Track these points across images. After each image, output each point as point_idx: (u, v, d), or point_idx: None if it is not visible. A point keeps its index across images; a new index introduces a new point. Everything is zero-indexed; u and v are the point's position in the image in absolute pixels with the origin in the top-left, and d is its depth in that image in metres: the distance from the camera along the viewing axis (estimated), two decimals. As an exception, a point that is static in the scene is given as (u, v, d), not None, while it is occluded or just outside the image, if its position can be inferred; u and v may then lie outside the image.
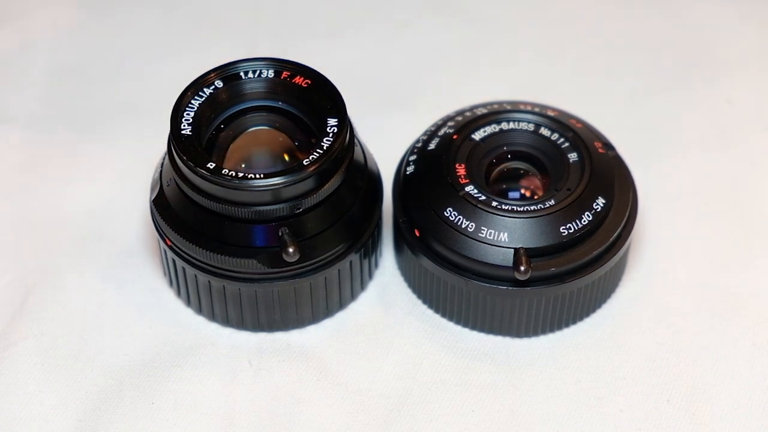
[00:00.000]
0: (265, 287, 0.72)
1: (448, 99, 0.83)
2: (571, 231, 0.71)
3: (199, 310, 0.75)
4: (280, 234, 0.69)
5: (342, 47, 0.91)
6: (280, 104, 0.73)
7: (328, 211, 0.71)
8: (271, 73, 0.73)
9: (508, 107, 0.76)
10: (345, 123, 0.70)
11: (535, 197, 0.74)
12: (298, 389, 0.73)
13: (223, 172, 0.68)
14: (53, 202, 0.81)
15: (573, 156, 0.73)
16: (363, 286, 0.77)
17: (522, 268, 0.70)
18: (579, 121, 0.76)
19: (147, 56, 0.90)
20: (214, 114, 0.72)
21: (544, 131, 0.75)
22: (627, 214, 0.73)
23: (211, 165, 0.68)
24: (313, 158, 0.69)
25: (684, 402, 0.72)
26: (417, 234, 0.73)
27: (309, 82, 0.72)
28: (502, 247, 0.71)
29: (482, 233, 0.71)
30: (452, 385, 0.73)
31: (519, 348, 0.75)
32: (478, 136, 0.75)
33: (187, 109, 0.71)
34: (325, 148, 0.69)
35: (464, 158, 0.73)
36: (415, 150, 0.75)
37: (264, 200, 0.68)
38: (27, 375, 0.73)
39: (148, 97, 0.87)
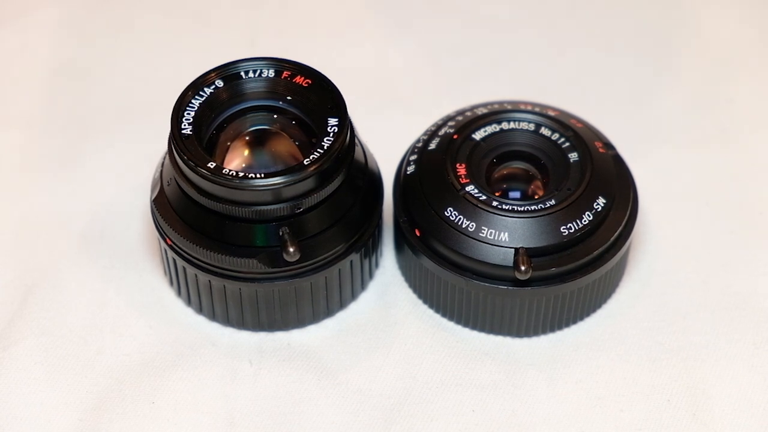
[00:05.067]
0: (265, 287, 0.72)
1: (448, 99, 0.83)
2: (571, 231, 0.71)
3: (200, 310, 0.75)
4: (280, 234, 0.69)
5: (342, 47, 0.91)
6: (280, 104, 0.73)
7: (329, 210, 0.71)
8: (271, 73, 0.73)
9: (509, 107, 0.76)
10: (345, 123, 0.70)
11: (536, 197, 0.74)
12: (298, 389, 0.73)
13: (223, 171, 0.68)
14: (53, 202, 0.81)
15: (573, 156, 0.73)
16: (363, 286, 0.77)
17: (522, 268, 0.70)
18: (579, 120, 0.76)
19: (147, 56, 0.90)
20: (214, 113, 0.72)
21: (545, 131, 0.75)
22: (627, 213, 0.73)
23: (211, 164, 0.68)
24: (313, 158, 0.69)
25: (684, 402, 0.72)
26: (417, 234, 0.73)
27: (309, 81, 0.72)
28: (503, 246, 0.71)
29: (483, 233, 0.71)
30: (452, 385, 0.73)
31: (519, 348, 0.75)
32: (478, 135, 0.75)
33: (188, 108, 0.71)
34: (325, 147, 0.69)
35: (465, 158, 0.73)
36: (416, 150, 0.75)
37: (264, 200, 0.68)
38: (27, 375, 0.73)
39: (148, 97, 0.87)
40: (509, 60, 0.90)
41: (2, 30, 0.91)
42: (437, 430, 0.71)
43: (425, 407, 0.72)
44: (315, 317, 0.75)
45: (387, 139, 0.79)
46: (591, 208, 0.72)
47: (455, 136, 0.74)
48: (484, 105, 0.77)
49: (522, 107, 0.76)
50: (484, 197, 0.72)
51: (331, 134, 0.70)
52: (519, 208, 0.71)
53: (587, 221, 0.71)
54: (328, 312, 0.75)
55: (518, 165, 0.75)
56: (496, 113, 0.75)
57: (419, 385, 0.73)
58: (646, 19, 0.93)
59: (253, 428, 0.71)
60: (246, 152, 0.73)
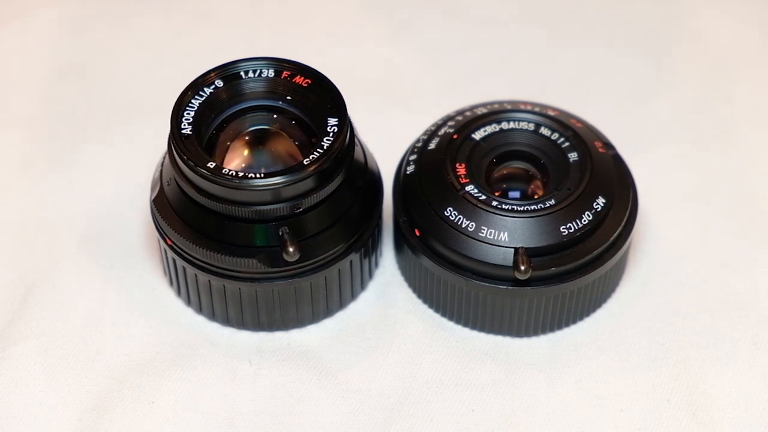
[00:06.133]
0: (265, 287, 0.72)
1: (448, 99, 0.83)
2: (571, 230, 0.71)
3: (199, 310, 0.75)
4: (280, 233, 0.69)
5: (342, 47, 0.91)
6: (280, 104, 0.73)
7: (329, 210, 0.71)
8: (271, 73, 0.73)
9: (508, 107, 0.76)
10: (345, 122, 0.70)
11: (535, 197, 0.74)
12: (298, 389, 0.73)
13: (223, 171, 0.68)
14: (53, 202, 0.81)
15: (573, 155, 0.73)
16: (363, 286, 0.77)
17: (522, 268, 0.70)
18: (579, 120, 0.76)
19: (147, 56, 0.90)
20: (214, 113, 0.72)
21: (545, 131, 0.75)
22: (627, 213, 0.73)
23: (211, 164, 0.68)
24: (313, 158, 0.69)
25: (684, 402, 0.72)
26: (417, 233, 0.73)
27: (309, 81, 0.72)
28: (503, 246, 0.71)
29: (482, 233, 0.71)
30: (452, 385, 0.73)
31: (519, 348, 0.75)
32: (478, 135, 0.75)
33: (188, 108, 0.71)
34: (325, 147, 0.69)
35: (464, 158, 0.73)
36: (415, 150, 0.75)
37: (264, 200, 0.68)
38: (27, 375, 0.73)
39: (148, 97, 0.87)
40: (509, 60, 0.90)
41: (2, 30, 0.91)
42: (437, 429, 0.71)
43: (425, 407, 0.72)
44: (315, 317, 0.75)
45: (387, 139, 0.79)
46: (591, 208, 0.72)
47: (455, 136, 0.74)
48: (484, 105, 0.77)
49: (522, 107, 0.76)
50: (483, 197, 0.72)
51: (331, 134, 0.70)
52: (519, 208, 0.71)
53: (587, 221, 0.71)
54: (328, 312, 0.75)
55: (518, 165, 0.75)
56: (495, 113, 0.75)
57: (419, 385, 0.73)
58: (646, 19, 0.93)
59: (252, 428, 0.71)
60: (246, 152, 0.73)
